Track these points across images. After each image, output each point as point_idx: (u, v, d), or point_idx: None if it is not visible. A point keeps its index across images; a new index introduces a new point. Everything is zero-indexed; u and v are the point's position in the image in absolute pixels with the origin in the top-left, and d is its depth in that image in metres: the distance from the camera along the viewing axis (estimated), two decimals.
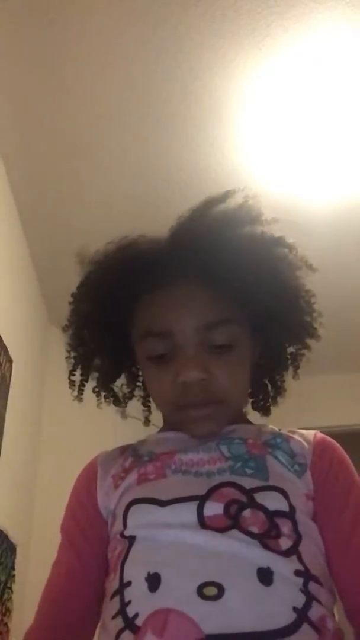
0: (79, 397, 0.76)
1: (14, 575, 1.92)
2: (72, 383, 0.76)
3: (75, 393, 0.76)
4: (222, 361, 0.65)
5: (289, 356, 0.76)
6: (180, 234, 0.68)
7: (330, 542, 0.63)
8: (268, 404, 0.81)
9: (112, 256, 0.69)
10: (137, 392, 0.82)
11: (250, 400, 0.80)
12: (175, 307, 0.65)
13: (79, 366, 0.75)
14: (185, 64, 1.65)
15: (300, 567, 0.57)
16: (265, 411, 0.81)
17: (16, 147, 1.89)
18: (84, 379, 0.76)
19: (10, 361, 1.96)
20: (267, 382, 0.80)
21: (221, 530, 0.58)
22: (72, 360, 0.75)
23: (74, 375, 0.76)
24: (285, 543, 0.58)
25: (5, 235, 2.03)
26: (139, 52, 1.61)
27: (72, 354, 0.75)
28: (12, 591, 1.87)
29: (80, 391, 0.76)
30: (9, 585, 1.86)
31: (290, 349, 0.76)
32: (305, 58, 1.63)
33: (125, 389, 0.81)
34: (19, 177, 2.00)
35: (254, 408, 0.81)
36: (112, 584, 0.61)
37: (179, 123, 1.83)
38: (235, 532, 0.57)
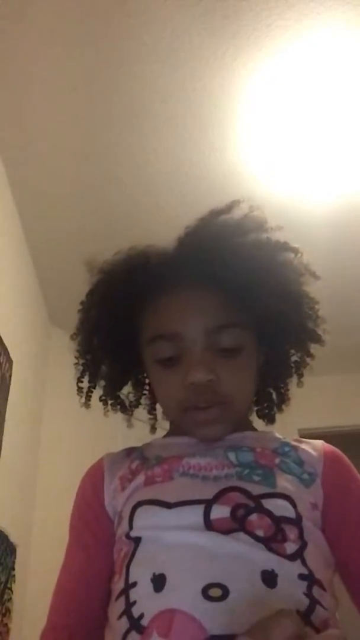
0: (87, 404, 0.78)
1: (14, 576, 1.92)
2: (80, 390, 0.77)
3: (83, 400, 0.77)
4: (229, 364, 0.66)
5: (292, 364, 0.77)
6: (187, 242, 0.70)
7: (348, 550, 0.64)
8: (273, 411, 0.81)
9: (120, 263, 0.71)
10: (144, 401, 0.83)
11: (255, 408, 0.81)
12: (183, 311, 0.67)
13: (87, 373, 0.76)
14: (185, 65, 1.65)
15: (305, 571, 0.57)
16: (269, 419, 0.81)
17: (17, 148, 1.89)
18: (92, 386, 0.77)
19: (10, 361, 1.96)
20: (271, 390, 0.81)
21: (227, 532, 0.58)
22: (80, 367, 0.76)
23: (82, 382, 0.77)
24: (290, 547, 0.58)
25: (6, 236, 2.03)
26: (139, 53, 1.61)
27: (80, 360, 0.76)
28: (12, 592, 1.87)
29: (88, 398, 0.77)
30: (9, 585, 1.86)
31: (294, 357, 0.77)
32: (305, 58, 1.63)
33: (132, 397, 0.82)
34: (19, 178, 2.00)
35: (258, 416, 0.81)
36: (118, 584, 0.61)
37: (179, 123, 1.83)
38: (240, 535, 0.58)
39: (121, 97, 1.74)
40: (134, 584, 0.58)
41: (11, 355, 1.97)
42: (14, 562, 1.94)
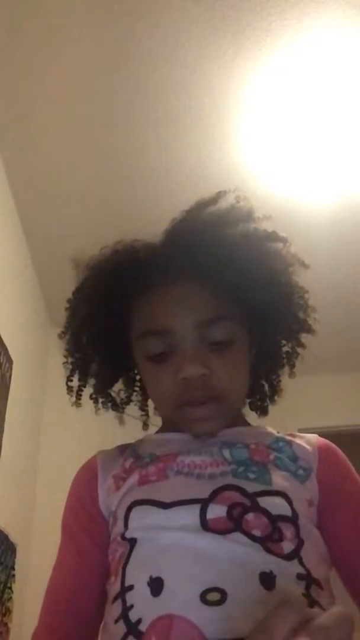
0: (77, 403, 0.77)
1: (14, 575, 1.92)
2: (69, 389, 0.76)
3: (74, 399, 0.77)
4: (221, 357, 0.65)
5: (284, 355, 0.77)
6: (174, 235, 0.69)
7: (345, 546, 0.64)
8: (265, 403, 0.81)
9: (107, 259, 0.69)
10: (135, 397, 0.82)
11: (248, 401, 0.80)
12: (173, 306, 0.66)
13: (77, 371, 0.75)
14: (185, 64, 1.65)
15: (302, 571, 0.57)
16: (262, 411, 0.80)
17: (17, 149, 1.89)
18: (82, 385, 0.76)
19: (10, 361, 1.96)
20: (263, 382, 0.80)
21: (224, 532, 0.57)
22: (70, 366, 0.75)
23: (71, 381, 0.76)
24: (287, 547, 0.57)
25: (6, 236, 2.03)
26: (139, 52, 1.61)
27: (70, 359, 0.75)
28: (12, 591, 1.87)
29: (78, 396, 0.77)
30: (9, 585, 1.86)
31: (286, 348, 0.76)
32: (305, 58, 1.63)
33: (123, 394, 0.81)
34: (19, 178, 2.00)
35: (251, 408, 0.80)
36: (114, 587, 0.60)
37: (179, 122, 1.83)
38: (237, 535, 0.57)
39: (121, 96, 1.74)
40: (131, 587, 0.57)
41: (11, 355, 1.97)
42: (14, 562, 1.94)
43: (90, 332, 0.72)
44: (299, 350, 0.75)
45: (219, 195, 0.70)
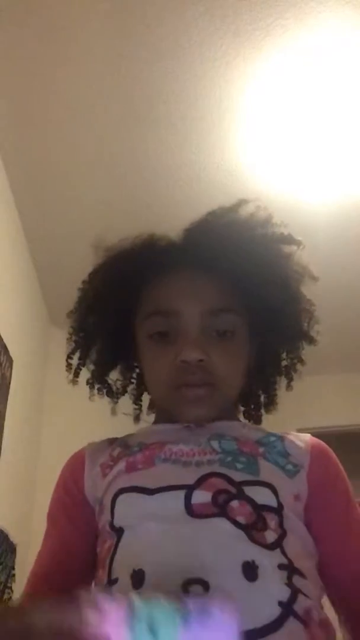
0: (75, 380, 0.79)
1: (14, 575, 1.92)
2: (69, 366, 0.79)
3: (71, 376, 0.79)
4: (222, 347, 0.67)
5: (283, 368, 0.79)
6: (195, 230, 0.72)
7: (333, 546, 0.64)
8: (260, 413, 0.82)
9: (126, 246, 0.72)
10: (130, 390, 0.83)
11: (242, 409, 0.81)
12: (183, 290, 0.69)
13: (78, 350, 0.77)
14: (185, 65, 1.65)
15: (284, 561, 0.57)
16: (256, 420, 0.82)
17: (16, 147, 1.89)
18: (81, 363, 0.78)
19: (10, 361, 1.96)
20: (260, 392, 0.82)
21: (208, 517, 0.58)
22: (72, 344, 0.77)
23: (71, 358, 0.78)
24: (270, 536, 0.58)
25: (6, 235, 2.03)
26: (139, 52, 1.61)
27: (73, 337, 0.77)
28: (12, 591, 1.87)
29: (76, 374, 0.79)
30: (9, 585, 1.86)
31: (284, 362, 0.78)
32: (305, 58, 1.63)
33: (119, 384, 0.82)
34: (19, 177, 2.00)
35: (245, 417, 0.82)
36: (100, 580, 0.61)
37: (179, 123, 1.83)
38: (222, 520, 0.57)
39: (121, 97, 1.74)
40: (116, 581, 0.58)
41: (11, 355, 1.97)
42: (14, 562, 1.94)
43: (98, 312, 0.75)
44: (298, 365, 0.77)
45: (239, 204, 0.73)
